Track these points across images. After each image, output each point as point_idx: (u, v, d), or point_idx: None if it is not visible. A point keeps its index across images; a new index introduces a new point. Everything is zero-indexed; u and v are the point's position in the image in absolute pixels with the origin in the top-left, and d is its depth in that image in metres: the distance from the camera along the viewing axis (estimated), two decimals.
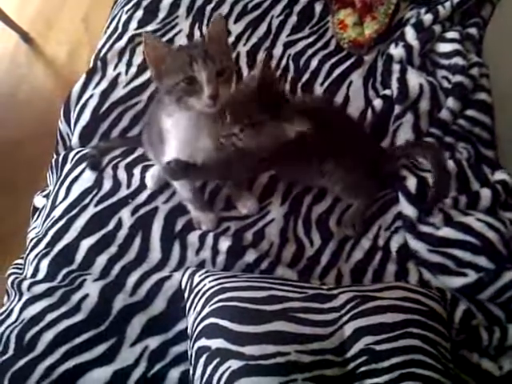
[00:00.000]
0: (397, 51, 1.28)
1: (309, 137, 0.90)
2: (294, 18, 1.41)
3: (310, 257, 1.07)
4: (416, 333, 0.84)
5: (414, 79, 1.23)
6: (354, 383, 0.82)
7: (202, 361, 0.84)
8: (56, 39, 2.22)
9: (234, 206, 1.13)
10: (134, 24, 1.40)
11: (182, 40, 1.36)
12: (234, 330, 0.83)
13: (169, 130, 0.95)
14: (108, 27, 1.44)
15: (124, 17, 1.42)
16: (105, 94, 1.27)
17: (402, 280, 1.04)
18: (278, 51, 1.36)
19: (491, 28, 1.31)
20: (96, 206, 1.11)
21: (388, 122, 1.22)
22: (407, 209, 1.08)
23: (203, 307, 0.88)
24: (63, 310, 0.98)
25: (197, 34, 1.39)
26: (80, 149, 1.23)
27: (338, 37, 1.36)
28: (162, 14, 1.41)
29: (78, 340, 0.94)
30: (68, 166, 1.20)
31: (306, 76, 1.32)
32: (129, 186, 1.14)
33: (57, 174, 1.24)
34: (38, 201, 1.30)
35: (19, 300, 1.01)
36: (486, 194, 1.09)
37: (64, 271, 1.04)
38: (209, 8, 1.42)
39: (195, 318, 0.89)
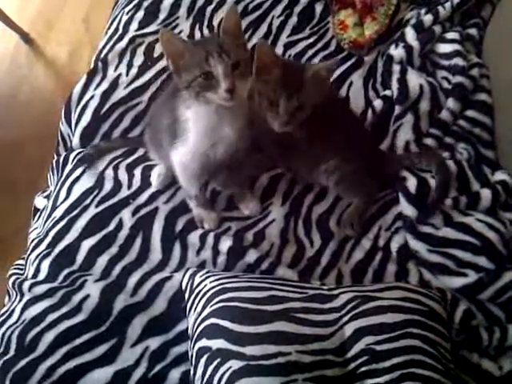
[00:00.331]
0: (397, 52, 1.28)
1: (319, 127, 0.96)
2: (294, 19, 1.41)
3: (311, 257, 1.07)
4: (416, 333, 0.84)
5: (414, 80, 1.23)
6: (355, 383, 0.82)
7: (202, 361, 0.84)
8: (56, 40, 2.23)
9: (236, 207, 1.13)
10: (134, 25, 1.40)
11: None
12: (234, 331, 0.83)
13: (187, 121, 0.95)
14: (109, 28, 1.44)
15: (125, 18, 1.42)
16: (106, 95, 1.27)
17: (403, 280, 1.04)
18: (278, 52, 1.35)
19: (491, 29, 1.31)
20: (97, 206, 1.11)
21: (388, 122, 1.23)
22: (407, 209, 1.08)
23: (204, 308, 0.89)
24: (64, 310, 0.98)
25: (197, 34, 1.39)
26: (81, 150, 1.23)
27: (339, 37, 1.36)
28: (162, 15, 1.42)
29: (78, 340, 0.94)
30: (69, 167, 1.20)
31: None
32: (129, 186, 1.14)
33: (58, 174, 1.24)
34: (39, 201, 1.30)
35: (20, 300, 1.02)
36: (486, 194, 1.09)
37: (65, 272, 1.04)
38: (209, 9, 1.42)
39: (196, 319, 0.89)
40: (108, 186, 1.14)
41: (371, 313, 0.87)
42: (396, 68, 1.25)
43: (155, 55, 1.33)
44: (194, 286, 0.94)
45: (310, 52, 1.36)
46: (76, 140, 1.26)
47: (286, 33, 1.39)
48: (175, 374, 0.93)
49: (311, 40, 1.38)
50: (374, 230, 1.11)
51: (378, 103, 1.24)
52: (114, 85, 1.29)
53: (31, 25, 2.26)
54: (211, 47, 0.87)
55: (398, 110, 1.22)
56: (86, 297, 0.99)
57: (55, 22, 2.28)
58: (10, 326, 0.98)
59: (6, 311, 1.02)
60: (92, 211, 1.11)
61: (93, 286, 1.01)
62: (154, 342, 0.96)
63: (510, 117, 1.17)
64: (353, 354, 0.84)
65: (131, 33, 1.38)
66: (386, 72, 1.28)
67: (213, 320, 0.86)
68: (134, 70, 1.31)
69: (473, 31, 1.32)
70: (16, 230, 1.44)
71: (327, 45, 1.38)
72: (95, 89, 1.29)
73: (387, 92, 1.25)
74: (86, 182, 1.15)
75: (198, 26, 1.40)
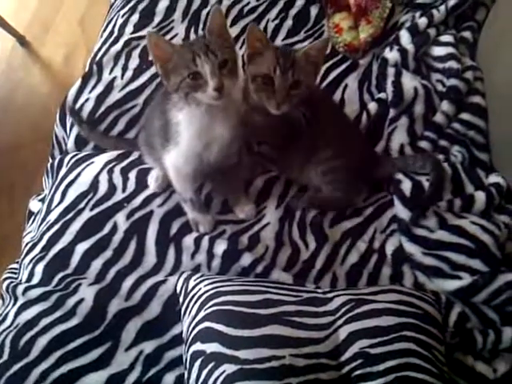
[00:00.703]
0: (392, 55, 1.28)
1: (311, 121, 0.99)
2: (289, 22, 1.42)
3: (305, 260, 1.07)
4: (410, 336, 0.84)
5: (409, 83, 1.23)
6: None
7: (196, 365, 0.84)
8: (52, 42, 2.23)
9: (230, 210, 1.13)
10: (129, 28, 1.40)
11: None
12: (228, 334, 0.83)
13: (180, 123, 0.96)
14: (104, 31, 1.44)
15: (120, 21, 1.42)
16: (100, 98, 1.27)
17: (397, 283, 1.05)
18: None
19: (485, 32, 1.31)
20: (91, 210, 1.11)
21: (383, 125, 1.23)
22: (402, 212, 1.08)
23: (198, 311, 0.88)
24: (58, 314, 0.97)
25: (192, 37, 1.39)
26: (76, 153, 1.23)
27: (334, 40, 1.37)
28: (157, 18, 1.42)
29: (72, 345, 0.94)
30: (64, 170, 1.20)
31: None
32: (124, 189, 1.14)
33: (52, 178, 1.24)
34: (34, 205, 1.30)
35: (14, 304, 1.01)
36: (480, 197, 1.09)
37: (59, 275, 1.04)
38: (204, 12, 1.43)
39: (190, 322, 0.89)
40: (102, 189, 1.14)
41: (365, 316, 0.87)
42: (391, 71, 1.26)
43: (150, 58, 1.33)
44: (189, 289, 0.94)
45: None
46: (71, 143, 1.26)
47: (281, 36, 1.40)
48: (170, 378, 0.93)
49: (306, 43, 1.38)
50: (369, 233, 1.11)
51: (372, 106, 1.25)
52: (109, 88, 1.29)
53: (27, 28, 2.26)
54: (198, 48, 0.88)
55: (392, 112, 1.22)
56: (80, 301, 0.99)
57: (51, 24, 2.28)
58: (4, 331, 0.97)
59: (0, 315, 1.02)
60: (86, 215, 1.10)
61: (87, 289, 1.01)
62: (148, 346, 0.95)
63: (503, 119, 1.17)
64: (347, 358, 0.84)
65: (126, 36, 1.38)
66: (380, 75, 1.28)
67: (207, 324, 0.86)
68: (129, 73, 1.31)
69: (467, 34, 1.32)
70: (10, 233, 1.43)
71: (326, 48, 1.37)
72: (90, 92, 1.29)
73: (382, 95, 1.26)
74: (81, 185, 1.15)
75: (193, 29, 1.40)
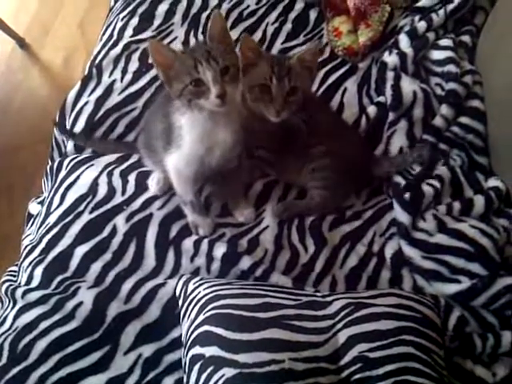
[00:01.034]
0: (391, 58, 1.28)
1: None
2: (288, 26, 1.42)
3: (305, 263, 1.07)
4: (410, 340, 0.84)
5: (408, 86, 1.23)
6: None
7: (195, 369, 0.83)
8: (52, 45, 2.23)
9: (230, 213, 1.13)
10: (129, 31, 1.40)
11: (177, 47, 1.36)
12: (227, 338, 0.83)
13: (182, 127, 0.96)
14: (103, 34, 1.44)
15: (119, 24, 1.42)
16: (100, 101, 1.27)
17: (396, 286, 1.05)
18: None
19: (484, 36, 1.32)
20: (91, 212, 1.11)
21: (382, 128, 1.23)
22: (401, 215, 1.08)
23: (197, 315, 0.88)
24: (57, 317, 0.97)
25: (192, 40, 1.39)
26: (75, 155, 1.23)
27: (333, 44, 1.37)
28: (157, 22, 1.42)
29: (71, 348, 0.94)
30: (63, 173, 1.20)
31: None
32: (123, 192, 1.14)
33: (52, 180, 1.24)
34: (33, 207, 1.30)
35: (13, 308, 1.01)
36: (479, 200, 1.09)
37: (58, 278, 1.03)
38: (204, 15, 1.43)
39: (189, 326, 0.89)
40: (102, 192, 1.14)
41: (365, 320, 0.86)
42: (390, 74, 1.26)
43: (150, 61, 1.34)
44: (188, 292, 0.94)
45: None
46: (70, 146, 1.26)
47: (280, 39, 1.40)
48: (169, 381, 0.92)
49: (305, 47, 1.38)
50: (369, 236, 1.11)
51: (371, 110, 1.25)
52: (109, 91, 1.29)
53: (27, 30, 2.27)
54: (199, 54, 0.87)
55: (391, 116, 1.22)
56: (79, 304, 0.99)
57: (51, 27, 2.28)
58: (3, 334, 0.97)
59: None
60: (86, 217, 1.10)
61: (86, 292, 1.00)
62: (147, 350, 0.95)
63: (502, 123, 1.17)
64: (346, 362, 0.83)
65: (126, 39, 1.38)
66: (379, 79, 1.28)
67: (206, 327, 0.86)
68: (128, 76, 1.31)
69: (466, 38, 1.33)
70: (9, 235, 1.43)
71: (321, 51, 1.37)
72: (89, 95, 1.29)
73: (381, 98, 1.26)
74: (80, 187, 1.15)
75: (192, 33, 1.40)
